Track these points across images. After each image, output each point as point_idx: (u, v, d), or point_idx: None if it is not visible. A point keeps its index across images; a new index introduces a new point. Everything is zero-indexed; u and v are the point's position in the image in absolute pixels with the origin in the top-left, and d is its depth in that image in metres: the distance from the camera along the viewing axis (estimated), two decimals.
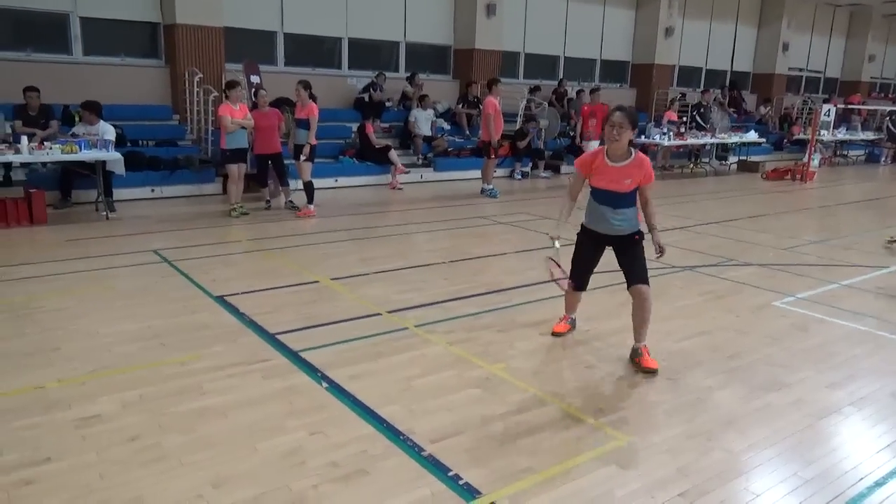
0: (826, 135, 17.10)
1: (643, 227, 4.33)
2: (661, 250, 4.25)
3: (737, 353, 4.59)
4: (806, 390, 4.05)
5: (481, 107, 11.88)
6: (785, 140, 19.73)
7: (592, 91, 13.67)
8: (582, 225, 4.45)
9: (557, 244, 4.49)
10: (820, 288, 6.23)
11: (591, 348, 4.60)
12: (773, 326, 5.17)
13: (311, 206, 9.05)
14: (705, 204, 11.38)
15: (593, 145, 12.34)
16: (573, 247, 4.55)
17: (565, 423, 3.55)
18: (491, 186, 11.20)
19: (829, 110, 16.72)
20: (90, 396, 3.67)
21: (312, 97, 9.01)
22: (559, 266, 4.58)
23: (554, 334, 4.79)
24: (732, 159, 16.79)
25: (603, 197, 4.23)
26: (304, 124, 8.92)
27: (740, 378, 4.19)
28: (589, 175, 4.29)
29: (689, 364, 4.37)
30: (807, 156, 14.77)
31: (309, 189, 9.07)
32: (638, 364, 4.25)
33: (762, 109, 21.22)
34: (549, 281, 4.72)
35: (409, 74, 14.17)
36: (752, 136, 16.37)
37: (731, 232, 8.74)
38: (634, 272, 4.24)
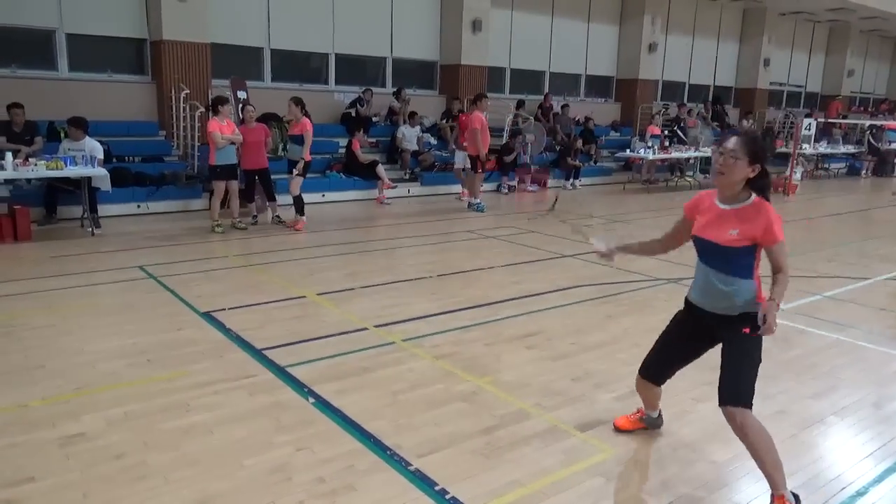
0: (808, 148, 17.36)
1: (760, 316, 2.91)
2: (763, 322, 2.85)
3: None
4: (789, 401, 4.10)
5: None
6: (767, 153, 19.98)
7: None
8: (685, 297, 3.33)
9: (598, 242, 3.59)
10: (802, 299, 6.30)
11: (578, 361, 4.62)
12: None
13: (303, 218, 9.14)
14: None
15: (460, 157, 12.30)
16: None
17: (552, 436, 3.57)
18: (478, 201, 11.25)
19: (809, 124, 17.00)
20: (74, 414, 3.64)
21: (306, 113, 9.08)
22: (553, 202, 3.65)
23: (616, 429, 3.64)
24: None
25: (703, 250, 3.12)
26: (298, 140, 8.99)
27: None
28: (693, 218, 3.17)
29: (674, 376, 4.40)
30: (789, 169, 14.97)
31: (298, 202, 9.15)
32: None
33: (745, 123, 21.50)
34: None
35: (395, 89, 14.26)
36: None
37: None
38: (725, 382, 3.03)
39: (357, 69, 14.35)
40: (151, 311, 5.49)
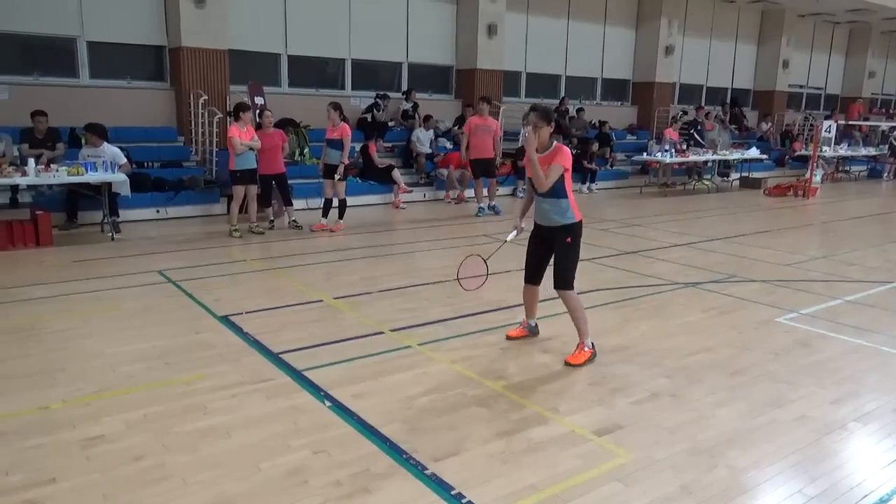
0: (828, 151, 17.16)
1: (578, 231, 4.59)
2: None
3: (740, 370, 4.59)
4: (810, 406, 4.05)
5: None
6: (786, 156, 19.80)
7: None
8: (534, 220, 4.74)
9: (510, 236, 4.82)
10: (823, 304, 6.23)
11: (595, 365, 4.59)
12: (776, 342, 5.17)
13: (341, 222, 9.46)
14: (708, 220, 11.40)
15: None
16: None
17: (569, 440, 3.55)
18: (482, 205, 11.12)
19: (829, 126, 16.79)
20: (95, 417, 3.68)
21: (343, 118, 9.20)
22: (484, 265, 4.87)
23: (508, 338, 5.01)
24: (734, 176, 16.84)
25: (531, 184, 4.57)
26: (337, 144, 9.13)
27: (744, 394, 4.19)
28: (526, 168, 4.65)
29: (692, 380, 4.37)
30: (809, 172, 14.80)
31: (343, 206, 9.45)
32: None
33: (763, 126, 21.32)
34: (456, 278, 4.90)
35: (405, 90, 14.30)
36: (753, 152, 16.44)
37: (734, 248, 8.75)
38: (557, 275, 4.57)
39: (373, 74, 14.42)
40: (170, 315, 5.55)
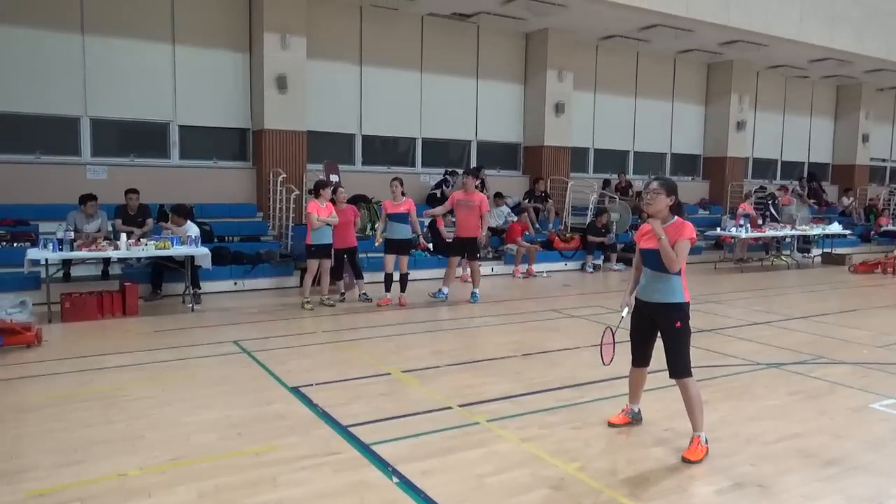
0: None
1: (686, 312, 4.32)
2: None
3: (833, 460, 4.27)
4: None
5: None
6: (872, 232, 18.95)
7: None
8: (636, 297, 4.55)
9: (624, 312, 4.62)
10: None
11: (672, 449, 4.37)
12: (872, 431, 4.80)
13: (404, 295, 9.48)
14: (789, 298, 10.91)
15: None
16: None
17: None
18: (444, 288, 9.77)
19: None
20: (169, 485, 3.74)
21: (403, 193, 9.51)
22: (612, 341, 4.66)
23: (610, 425, 4.73)
24: (815, 251, 16.18)
25: (647, 257, 4.39)
26: (403, 218, 9.36)
27: (838, 487, 3.88)
28: (639, 241, 4.51)
29: (781, 470, 4.09)
30: None
31: (405, 279, 9.54)
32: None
33: (845, 200, 20.57)
34: (599, 345, 4.75)
35: (475, 167, 14.59)
36: (835, 227, 15.82)
37: (819, 328, 8.31)
38: (671, 363, 4.32)
39: (442, 152, 14.86)
40: (244, 385, 5.67)
